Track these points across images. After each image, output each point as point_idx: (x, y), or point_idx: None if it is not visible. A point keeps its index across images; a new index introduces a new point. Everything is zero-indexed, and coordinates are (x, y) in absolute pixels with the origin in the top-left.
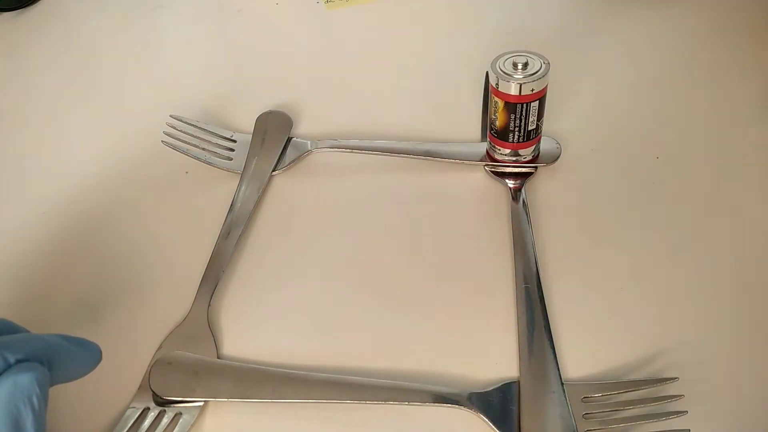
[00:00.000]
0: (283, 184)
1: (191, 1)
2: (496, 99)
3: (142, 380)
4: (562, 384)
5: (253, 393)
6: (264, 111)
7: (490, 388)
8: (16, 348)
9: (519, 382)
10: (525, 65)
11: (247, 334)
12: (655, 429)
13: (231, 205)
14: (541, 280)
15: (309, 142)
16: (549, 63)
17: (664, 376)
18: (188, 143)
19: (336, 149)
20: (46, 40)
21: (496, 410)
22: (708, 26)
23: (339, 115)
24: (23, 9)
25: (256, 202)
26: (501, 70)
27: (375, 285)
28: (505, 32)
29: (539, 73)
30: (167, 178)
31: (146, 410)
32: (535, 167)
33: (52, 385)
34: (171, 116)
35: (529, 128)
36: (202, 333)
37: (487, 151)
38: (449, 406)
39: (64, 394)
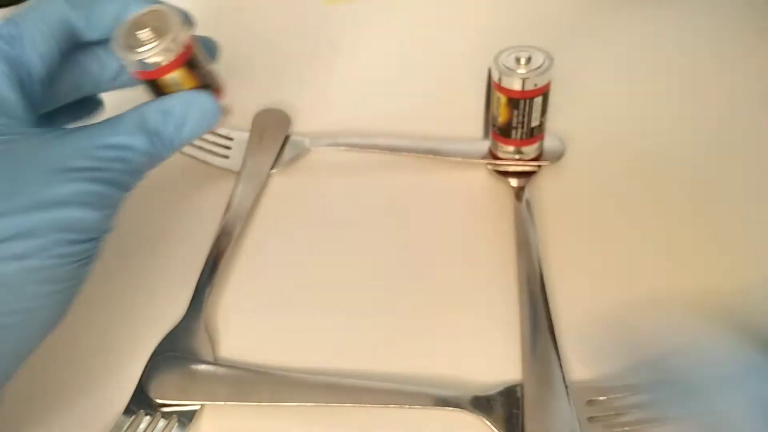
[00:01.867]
0: (281, 182)
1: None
2: (498, 95)
3: (138, 383)
4: (566, 386)
5: (250, 396)
6: (261, 108)
7: (493, 392)
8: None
9: (522, 384)
10: (528, 60)
11: (244, 336)
12: None
13: (228, 204)
14: (545, 281)
15: (307, 139)
16: (552, 58)
17: None
18: None
19: (335, 147)
20: None
21: (499, 414)
22: (713, 24)
23: (338, 112)
24: (20, 7)
25: (254, 201)
26: (503, 65)
27: (375, 285)
28: (507, 27)
29: (542, 67)
30: (163, 177)
31: (142, 413)
32: (539, 165)
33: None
34: None
35: (533, 125)
36: (198, 335)
37: (489, 149)
38: (451, 410)
39: (59, 396)
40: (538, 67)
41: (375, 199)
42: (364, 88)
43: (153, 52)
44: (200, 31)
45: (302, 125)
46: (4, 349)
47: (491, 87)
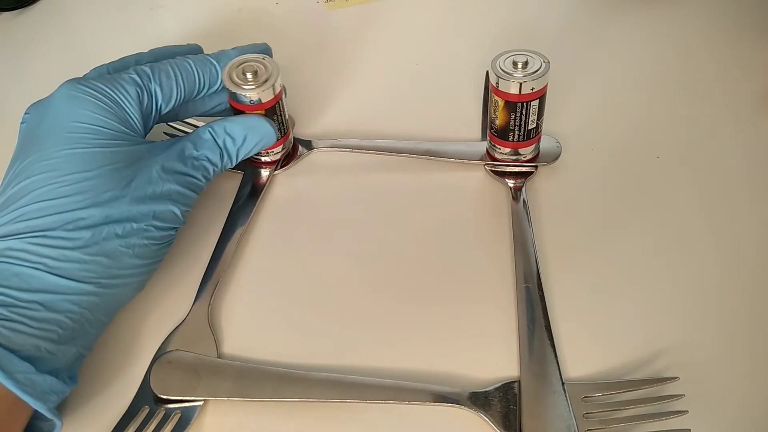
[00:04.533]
0: (283, 183)
1: (191, 0)
2: (496, 98)
3: (143, 379)
4: (563, 383)
5: (253, 392)
6: None
7: (491, 388)
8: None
9: (519, 381)
10: (525, 64)
11: (247, 333)
12: (656, 429)
13: (232, 204)
14: (542, 280)
15: (309, 141)
16: (549, 62)
17: (665, 376)
18: None
19: (336, 149)
20: (46, 40)
21: (497, 410)
22: (708, 26)
23: (339, 114)
24: (23, 9)
25: (257, 202)
26: (501, 69)
27: (375, 284)
28: (505, 31)
29: (539, 71)
30: None
31: (146, 409)
32: (536, 166)
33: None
34: None
35: (529, 127)
36: (202, 332)
37: (487, 151)
38: (450, 406)
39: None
40: (535, 71)
41: (375, 199)
42: (365, 91)
43: (252, 92)
44: (205, 35)
45: (305, 127)
46: (104, 305)
47: (489, 90)
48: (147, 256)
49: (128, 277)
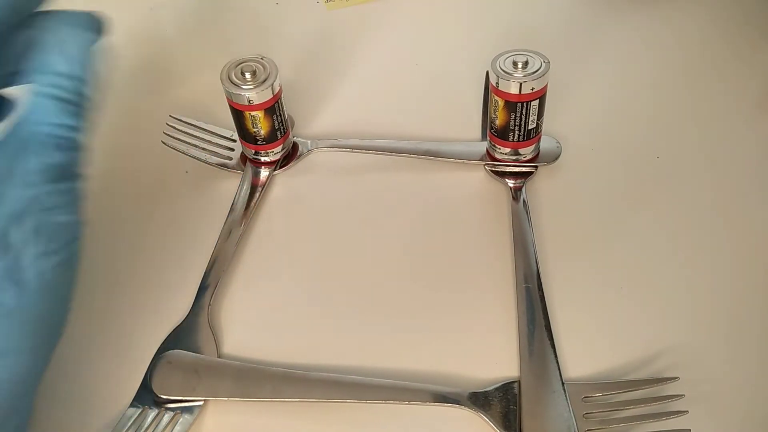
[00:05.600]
0: (283, 183)
1: (191, 0)
2: (496, 98)
3: (143, 380)
4: (563, 383)
5: (253, 392)
6: None
7: (491, 388)
8: None
9: (519, 381)
10: (525, 64)
11: (247, 333)
12: (656, 429)
13: (231, 204)
14: (542, 280)
15: (309, 141)
16: (549, 62)
17: (665, 376)
18: (188, 143)
19: (336, 149)
20: None
21: (497, 410)
22: (708, 27)
23: (339, 114)
24: None
25: (257, 202)
26: (501, 69)
27: (375, 284)
28: (505, 31)
29: (539, 71)
30: (167, 178)
31: (146, 410)
32: (536, 166)
33: None
34: (171, 116)
35: (530, 127)
36: (202, 332)
37: (487, 151)
38: (449, 406)
39: (66, 392)
40: (535, 71)
41: (375, 200)
42: (365, 91)
43: (249, 92)
44: (204, 34)
45: (304, 127)
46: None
47: (489, 90)
48: None
49: None
